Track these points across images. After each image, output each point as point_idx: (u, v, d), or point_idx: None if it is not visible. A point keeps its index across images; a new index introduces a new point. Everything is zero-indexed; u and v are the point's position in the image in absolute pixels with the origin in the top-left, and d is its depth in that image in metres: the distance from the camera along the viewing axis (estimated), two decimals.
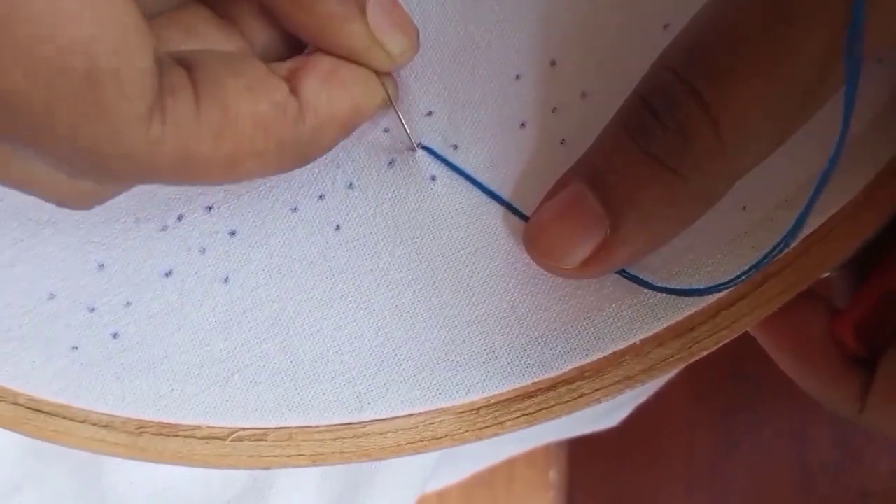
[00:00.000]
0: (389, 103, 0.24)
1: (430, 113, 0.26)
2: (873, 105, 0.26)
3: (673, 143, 0.22)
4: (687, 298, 0.25)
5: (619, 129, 0.24)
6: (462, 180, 0.25)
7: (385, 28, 0.23)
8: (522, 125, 0.26)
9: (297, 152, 0.22)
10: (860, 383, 0.27)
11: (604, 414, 0.38)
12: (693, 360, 0.25)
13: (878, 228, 0.26)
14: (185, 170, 0.20)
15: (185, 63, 0.21)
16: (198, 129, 0.20)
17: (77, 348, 0.26)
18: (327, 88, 0.22)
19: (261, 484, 0.30)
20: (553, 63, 0.26)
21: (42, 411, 0.26)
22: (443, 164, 0.25)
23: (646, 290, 0.25)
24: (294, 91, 0.22)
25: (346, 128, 0.23)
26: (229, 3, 0.23)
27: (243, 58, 0.22)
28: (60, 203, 0.22)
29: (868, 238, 0.26)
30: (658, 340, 0.25)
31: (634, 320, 0.25)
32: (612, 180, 0.23)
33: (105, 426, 0.26)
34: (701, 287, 0.25)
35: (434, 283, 0.25)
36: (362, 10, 0.23)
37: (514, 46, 0.26)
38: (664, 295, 0.25)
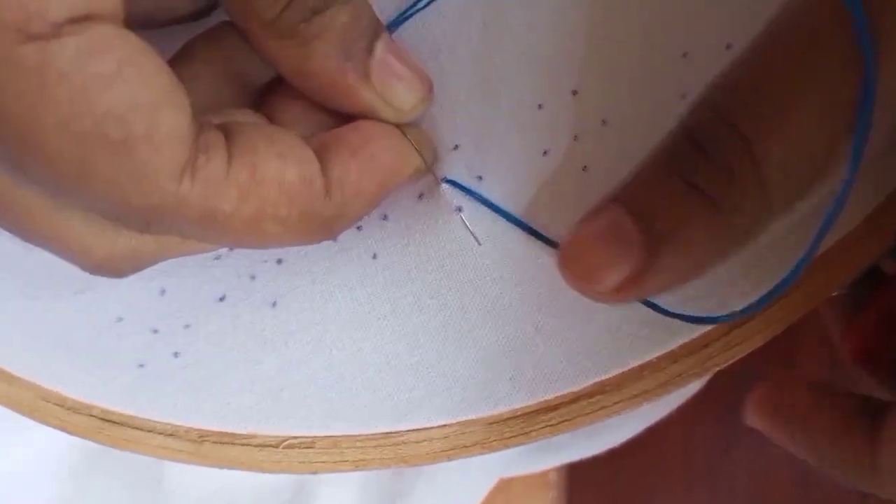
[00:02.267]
0: (426, 170, 0.26)
1: (456, 147, 0.27)
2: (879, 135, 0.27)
3: (716, 180, 0.23)
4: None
5: (663, 161, 0.24)
6: (486, 210, 0.27)
7: (391, 87, 0.24)
8: (545, 153, 0.28)
9: (321, 225, 0.23)
10: (865, 432, 0.26)
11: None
12: (707, 375, 0.27)
13: (887, 248, 0.27)
14: (210, 225, 0.22)
15: (224, 128, 0.22)
16: (224, 188, 0.21)
17: (143, 366, 0.28)
18: (355, 164, 0.23)
19: (305, 496, 0.33)
20: (574, 92, 0.27)
21: (114, 422, 0.29)
22: (467, 196, 0.27)
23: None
24: (323, 166, 0.23)
25: (373, 202, 0.24)
26: (267, 101, 0.25)
27: (280, 129, 0.23)
28: (96, 267, 0.23)
29: (877, 257, 0.27)
30: (673, 357, 0.27)
31: (651, 339, 0.27)
32: (652, 209, 0.24)
33: (170, 435, 0.29)
34: (714, 316, 0.26)
35: (463, 307, 0.27)
36: (365, 75, 0.24)
37: (536, 77, 0.28)
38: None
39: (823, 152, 0.23)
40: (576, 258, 0.25)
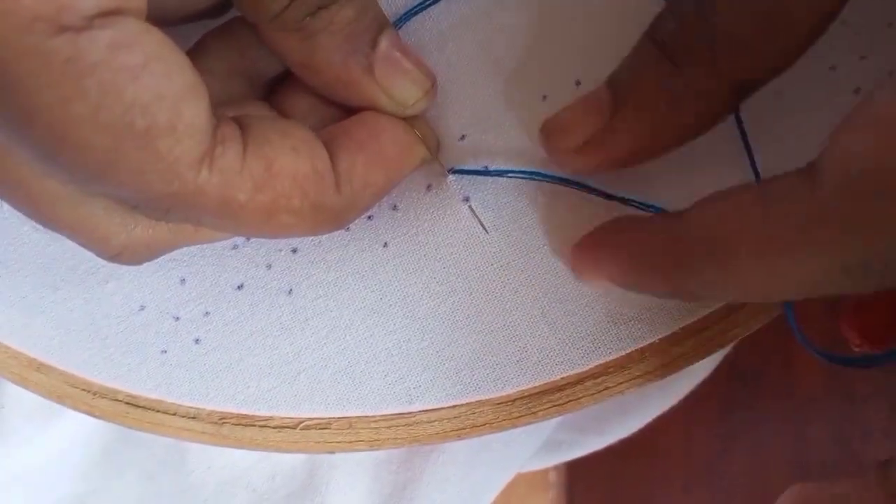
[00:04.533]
0: (432, 159, 0.27)
1: (462, 137, 0.28)
2: None
3: (672, 31, 0.24)
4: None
5: (643, 35, 0.25)
6: (492, 200, 0.28)
7: (394, 82, 0.25)
8: None
9: (331, 217, 0.24)
10: None
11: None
12: (707, 355, 0.28)
13: None
14: (226, 214, 0.23)
15: (240, 121, 0.23)
16: (240, 178, 0.22)
17: (166, 352, 0.30)
18: (363, 157, 0.24)
19: (318, 481, 0.34)
20: (578, 83, 0.28)
21: (139, 406, 0.30)
22: (474, 187, 0.28)
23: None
24: (331, 159, 0.24)
25: (381, 194, 0.25)
26: (277, 94, 0.26)
27: (293, 122, 0.24)
28: (114, 255, 0.24)
29: None
30: (674, 339, 0.28)
31: (654, 322, 0.28)
32: (622, 72, 0.26)
33: (192, 417, 0.30)
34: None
35: (471, 293, 0.28)
36: (369, 69, 0.25)
37: (540, 68, 0.28)
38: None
39: (789, 25, 0.23)
40: (549, 120, 0.27)
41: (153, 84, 0.20)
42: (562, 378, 0.29)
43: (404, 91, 0.26)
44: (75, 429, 0.37)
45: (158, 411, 0.30)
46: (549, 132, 0.27)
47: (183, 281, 0.29)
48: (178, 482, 0.36)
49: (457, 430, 0.29)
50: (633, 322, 0.28)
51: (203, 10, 0.26)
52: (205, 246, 0.29)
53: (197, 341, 0.30)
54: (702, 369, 0.34)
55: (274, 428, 0.30)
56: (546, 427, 0.38)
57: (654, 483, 0.52)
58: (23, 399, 0.36)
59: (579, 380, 0.29)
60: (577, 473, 0.49)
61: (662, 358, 0.28)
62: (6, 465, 0.37)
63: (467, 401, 0.29)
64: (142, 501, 0.37)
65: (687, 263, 0.24)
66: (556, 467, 0.41)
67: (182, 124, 0.21)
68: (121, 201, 0.23)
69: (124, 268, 0.30)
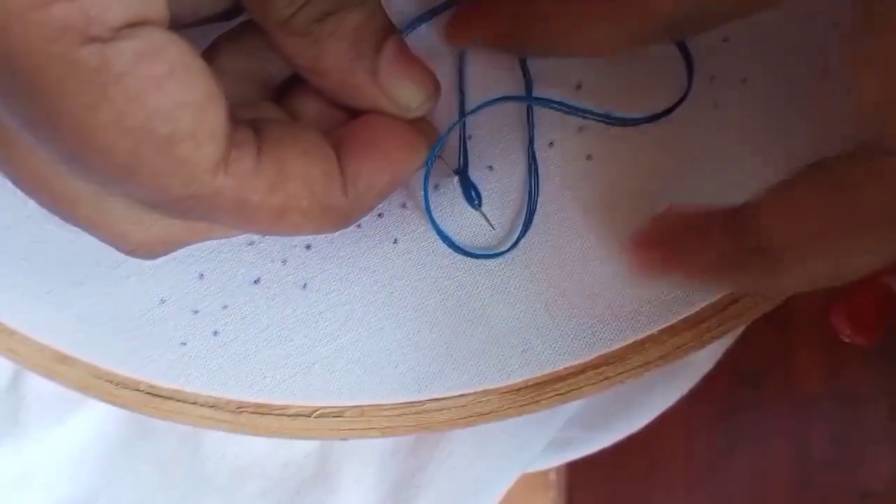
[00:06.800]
0: (436, 160, 0.28)
1: (469, 137, 0.30)
2: None
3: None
4: (699, 296, 0.29)
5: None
6: (499, 200, 0.29)
7: (398, 86, 0.26)
8: (551, 144, 0.30)
9: (338, 216, 0.25)
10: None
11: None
12: (704, 346, 0.29)
13: None
14: (241, 214, 0.24)
15: (253, 124, 0.24)
16: (255, 181, 0.23)
17: (185, 344, 0.31)
18: (368, 159, 0.25)
19: (329, 468, 0.36)
20: (579, 86, 0.30)
21: (160, 395, 0.31)
22: (480, 185, 0.29)
23: (662, 289, 0.29)
24: (339, 161, 0.25)
25: (386, 194, 0.26)
26: (287, 96, 0.27)
27: (303, 126, 0.25)
28: (132, 250, 0.25)
29: None
30: (673, 331, 0.29)
31: (652, 314, 0.29)
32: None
33: (212, 406, 0.31)
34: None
35: (477, 287, 0.30)
36: (373, 73, 0.25)
37: (543, 71, 0.30)
38: (679, 292, 0.29)
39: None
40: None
41: (177, 92, 0.21)
42: (564, 368, 0.30)
43: (407, 95, 0.27)
44: (91, 421, 0.38)
45: (179, 400, 0.31)
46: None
47: (201, 276, 0.31)
48: (192, 471, 0.37)
49: (464, 418, 0.30)
50: (632, 315, 0.29)
51: (215, 14, 0.27)
52: (222, 242, 0.31)
53: (215, 334, 0.31)
54: (705, 364, 0.35)
55: (290, 416, 0.31)
56: (553, 425, 0.39)
57: (655, 483, 0.52)
58: (41, 392, 0.37)
59: (581, 370, 0.30)
60: (578, 473, 0.49)
61: (661, 349, 0.29)
62: (24, 456, 0.38)
63: (474, 390, 0.30)
64: (157, 491, 0.38)
65: (759, 271, 0.24)
66: (556, 467, 0.41)
67: (202, 130, 0.22)
68: (140, 201, 0.24)
69: (146, 263, 0.31)
